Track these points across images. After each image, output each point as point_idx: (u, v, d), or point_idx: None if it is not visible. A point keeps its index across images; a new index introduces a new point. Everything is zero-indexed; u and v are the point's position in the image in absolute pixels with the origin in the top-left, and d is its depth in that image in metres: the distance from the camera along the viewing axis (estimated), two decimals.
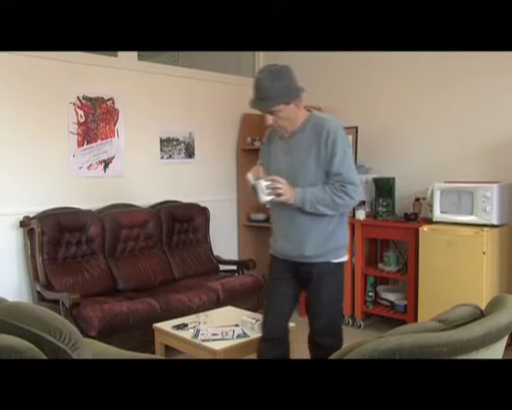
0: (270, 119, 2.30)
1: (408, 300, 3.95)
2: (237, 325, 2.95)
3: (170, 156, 4.79)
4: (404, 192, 4.31)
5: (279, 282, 2.50)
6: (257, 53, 5.49)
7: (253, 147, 5.00)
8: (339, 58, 4.78)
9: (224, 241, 5.15)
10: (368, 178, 4.45)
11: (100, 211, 4.11)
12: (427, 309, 3.60)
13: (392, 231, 4.06)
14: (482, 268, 3.41)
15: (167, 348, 3.03)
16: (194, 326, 2.96)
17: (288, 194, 2.25)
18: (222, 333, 2.82)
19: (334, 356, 1.33)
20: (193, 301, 3.73)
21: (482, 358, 1.28)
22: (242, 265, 4.57)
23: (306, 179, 2.29)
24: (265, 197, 2.27)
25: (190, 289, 3.92)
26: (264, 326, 2.53)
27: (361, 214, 4.20)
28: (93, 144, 4.21)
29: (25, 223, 3.73)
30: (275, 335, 2.49)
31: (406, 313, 3.97)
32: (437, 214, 3.73)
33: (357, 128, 4.36)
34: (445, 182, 3.82)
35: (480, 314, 1.42)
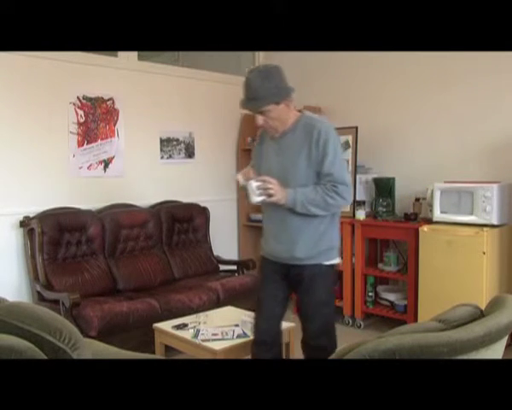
0: (260, 119, 2.28)
1: (408, 300, 3.95)
2: (237, 325, 2.95)
3: (170, 156, 4.79)
4: (404, 192, 4.31)
5: (269, 284, 2.47)
6: (257, 53, 5.49)
7: (253, 147, 4.99)
8: (339, 58, 4.78)
9: (224, 241, 5.15)
10: (368, 178, 4.46)
11: (100, 211, 4.11)
12: (427, 309, 3.60)
13: (392, 231, 4.06)
14: (482, 268, 3.41)
15: (167, 348, 3.03)
16: (194, 326, 2.96)
17: (279, 194, 2.24)
18: (222, 333, 2.82)
19: (334, 356, 1.33)
20: (193, 301, 3.73)
21: (482, 358, 1.28)
22: (242, 265, 4.58)
23: (297, 180, 2.27)
24: (256, 198, 2.25)
25: (190, 289, 3.92)
26: (256, 329, 2.52)
27: (361, 214, 4.20)
28: (93, 144, 4.21)
29: (25, 223, 3.73)
30: (266, 338, 2.46)
31: (406, 313, 3.97)
32: (437, 214, 3.73)
33: (357, 128, 4.36)
34: (445, 182, 3.82)
35: (479, 314, 1.42)
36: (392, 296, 4.23)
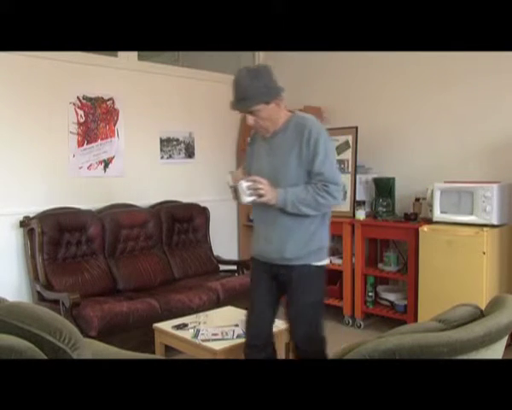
0: (250, 119, 2.27)
1: (408, 300, 3.95)
2: (237, 325, 2.95)
3: (170, 156, 4.79)
4: (404, 192, 4.31)
5: (260, 286, 2.46)
6: (257, 53, 5.49)
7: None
8: (339, 58, 4.78)
9: (224, 241, 5.15)
10: (368, 178, 4.46)
11: (100, 211, 4.11)
12: (427, 309, 3.60)
13: (392, 231, 4.06)
14: (482, 268, 3.41)
15: (167, 348, 3.03)
16: (194, 326, 2.96)
17: (270, 194, 2.22)
18: (222, 333, 2.82)
19: (334, 356, 1.33)
20: (193, 301, 3.73)
21: (482, 358, 1.28)
22: (242, 265, 4.57)
23: (288, 179, 2.26)
24: (247, 198, 2.24)
25: (190, 289, 3.92)
26: (247, 332, 2.50)
27: (361, 214, 4.20)
28: (93, 144, 4.21)
29: (25, 223, 3.73)
30: (257, 341, 2.44)
31: (406, 313, 3.97)
32: (437, 214, 3.73)
33: (357, 128, 4.36)
34: (445, 182, 3.82)
35: (479, 314, 1.42)
36: (392, 296, 4.23)
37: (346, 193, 4.39)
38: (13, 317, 1.32)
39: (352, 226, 4.25)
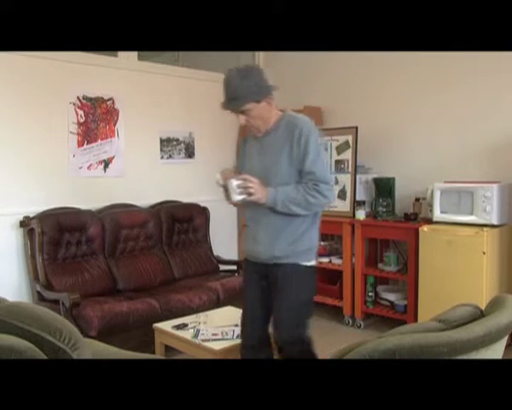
0: (242, 119, 2.26)
1: (408, 300, 3.95)
2: (237, 325, 2.94)
3: (170, 156, 4.79)
4: (404, 192, 4.31)
5: (251, 286, 2.45)
6: (257, 53, 5.49)
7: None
8: (339, 58, 4.78)
9: (224, 241, 5.15)
10: (368, 178, 4.46)
11: (100, 211, 4.11)
12: (427, 309, 3.60)
13: (392, 231, 4.06)
14: (482, 268, 3.41)
15: (167, 348, 3.03)
16: (194, 326, 2.96)
17: (260, 193, 2.21)
18: (222, 333, 2.82)
19: (334, 356, 1.33)
20: (193, 301, 3.73)
21: (482, 358, 1.28)
22: (242, 265, 4.57)
23: (279, 179, 2.25)
24: (237, 197, 2.23)
25: (190, 289, 3.92)
26: (241, 333, 2.50)
27: (361, 214, 4.20)
28: (93, 144, 4.21)
29: (25, 223, 3.73)
30: (251, 341, 2.42)
31: (406, 313, 3.97)
32: (437, 214, 3.73)
33: (357, 128, 4.36)
34: (445, 182, 3.82)
35: (479, 314, 1.42)
36: (392, 296, 4.23)
37: (346, 193, 4.39)
38: (13, 317, 1.32)
39: (352, 226, 4.25)
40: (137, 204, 4.38)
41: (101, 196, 4.21)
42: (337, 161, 4.48)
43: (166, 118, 4.71)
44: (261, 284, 2.38)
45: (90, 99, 4.17)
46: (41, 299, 3.59)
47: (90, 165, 4.19)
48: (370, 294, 4.28)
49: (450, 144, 4.15)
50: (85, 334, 3.11)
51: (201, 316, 3.19)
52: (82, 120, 4.13)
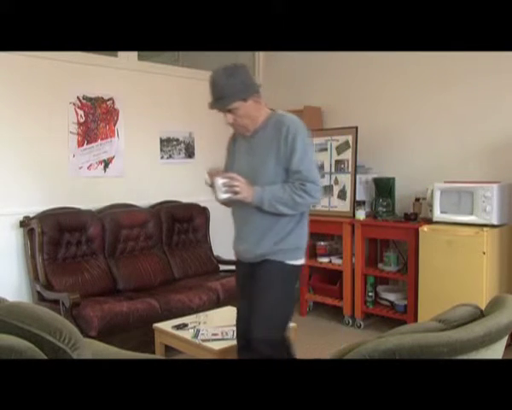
0: (229, 118, 2.25)
1: (408, 300, 3.95)
2: None
3: (170, 156, 4.79)
4: (404, 192, 4.31)
5: (241, 286, 2.45)
6: (257, 53, 5.48)
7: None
8: (339, 58, 4.78)
9: (224, 241, 5.13)
10: (368, 178, 4.46)
11: (100, 211, 4.11)
12: (427, 309, 3.60)
13: (392, 231, 4.06)
14: (482, 268, 3.41)
15: (167, 348, 3.03)
16: (194, 326, 2.96)
17: (246, 192, 2.20)
18: (222, 333, 2.82)
19: (334, 356, 1.33)
20: (193, 301, 3.73)
21: (482, 358, 1.28)
22: None
23: (266, 178, 2.23)
24: (222, 195, 2.23)
25: (190, 289, 3.92)
26: (236, 334, 2.50)
27: (361, 214, 4.20)
28: (93, 144, 4.21)
29: (25, 223, 3.73)
30: (244, 341, 2.39)
31: (406, 313, 3.97)
32: (437, 214, 3.73)
33: (357, 128, 4.36)
34: (445, 182, 3.82)
35: (479, 314, 1.42)
36: (392, 296, 4.23)
37: (346, 193, 4.40)
38: (13, 317, 1.32)
39: (352, 226, 4.25)
40: (137, 204, 4.38)
41: (101, 196, 4.21)
42: (337, 161, 4.48)
43: (166, 118, 4.71)
44: (249, 284, 2.36)
45: (90, 99, 4.18)
46: (41, 299, 3.59)
47: (90, 165, 4.19)
48: (370, 294, 4.28)
49: (450, 144, 4.15)
50: (85, 334, 3.11)
51: (201, 316, 3.19)
52: (82, 120, 4.13)
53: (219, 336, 2.78)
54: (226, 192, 2.22)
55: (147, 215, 4.30)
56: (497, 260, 3.52)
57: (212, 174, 2.30)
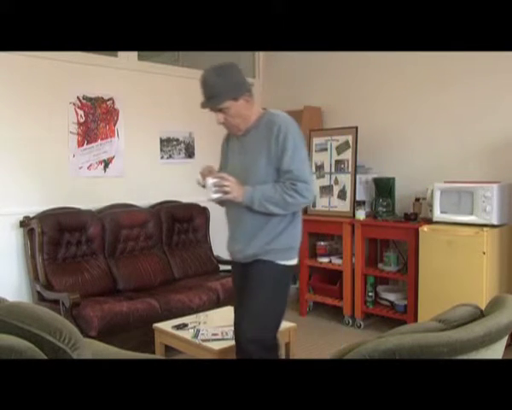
0: (220, 117, 2.25)
1: (408, 300, 3.95)
2: None
3: (170, 156, 4.79)
4: (404, 192, 4.31)
5: (236, 287, 2.44)
6: (257, 53, 5.48)
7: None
8: (339, 58, 4.78)
9: (224, 241, 5.11)
10: (368, 178, 4.46)
11: (100, 211, 4.11)
12: (427, 309, 3.60)
13: (392, 231, 4.06)
14: (482, 268, 3.41)
15: (167, 348, 3.03)
16: (194, 326, 2.96)
17: (236, 191, 2.19)
18: (222, 333, 2.82)
19: (334, 356, 1.33)
20: (193, 301, 3.73)
21: (482, 358, 1.28)
22: None
23: (258, 177, 2.21)
24: (213, 195, 2.23)
25: (190, 289, 3.92)
26: (234, 332, 2.47)
27: (361, 214, 4.20)
28: (93, 144, 4.21)
29: (25, 223, 3.73)
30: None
31: (406, 313, 3.97)
32: (437, 214, 3.73)
33: (356, 128, 4.36)
34: (445, 182, 3.82)
35: (479, 314, 1.42)
36: (392, 296, 4.23)
37: (346, 193, 4.40)
38: (13, 317, 1.32)
39: (352, 226, 4.25)
40: (137, 204, 4.38)
41: (101, 196, 4.21)
42: (337, 161, 4.48)
43: (166, 118, 4.71)
44: (242, 284, 2.35)
45: (90, 99, 4.18)
46: (41, 299, 3.59)
47: (90, 165, 4.19)
48: (370, 294, 4.28)
49: (451, 144, 4.15)
50: (85, 334, 3.11)
51: (201, 316, 3.19)
52: (82, 120, 4.13)
53: (219, 336, 2.78)
54: (216, 192, 2.22)
55: (147, 215, 4.30)
56: (497, 260, 3.52)
57: (204, 174, 2.30)
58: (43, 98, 3.90)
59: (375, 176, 4.43)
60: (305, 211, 4.62)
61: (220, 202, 2.42)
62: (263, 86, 5.48)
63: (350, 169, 4.37)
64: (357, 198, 4.30)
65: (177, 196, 4.72)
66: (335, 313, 4.49)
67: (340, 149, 4.46)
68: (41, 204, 3.84)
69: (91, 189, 4.18)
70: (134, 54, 4.48)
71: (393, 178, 4.29)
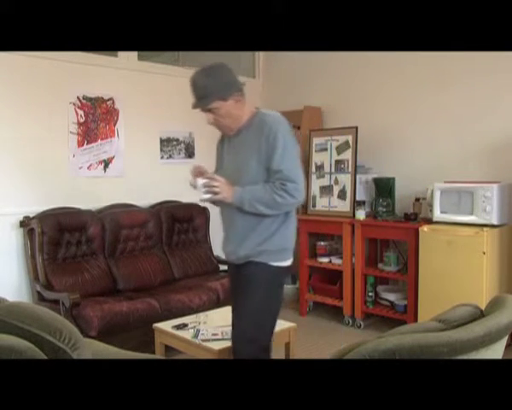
0: (210, 117, 2.25)
1: (408, 300, 3.95)
2: None
3: (170, 156, 4.79)
4: (404, 192, 4.31)
5: (231, 288, 2.43)
6: (257, 53, 5.48)
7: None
8: (339, 58, 4.78)
9: None
10: (368, 178, 4.46)
11: (100, 211, 4.11)
12: (427, 309, 3.60)
13: (392, 231, 4.06)
14: (482, 268, 3.41)
15: (167, 348, 3.03)
16: (194, 326, 2.96)
17: (225, 192, 2.18)
18: (222, 333, 2.82)
19: (334, 356, 1.33)
20: (193, 301, 3.73)
21: (482, 358, 1.28)
22: None
23: (248, 178, 2.20)
24: (203, 196, 2.23)
25: (190, 289, 3.92)
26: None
27: (361, 214, 4.20)
28: (93, 144, 4.21)
29: (25, 223, 3.73)
30: None
31: (406, 313, 3.97)
32: (437, 214, 3.73)
33: (356, 128, 4.36)
34: (445, 182, 3.82)
35: (479, 314, 1.42)
36: (392, 296, 4.23)
37: (346, 193, 4.40)
38: (13, 317, 1.32)
39: (352, 226, 4.25)
40: (137, 204, 4.38)
41: (101, 196, 4.21)
42: (337, 161, 4.48)
43: (166, 118, 4.71)
44: (237, 285, 2.34)
45: (90, 99, 4.18)
46: (41, 299, 3.59)
47: (90, 165, 4.19)
48: (370, 294, 4.28)
49: (450, 144, 4.15)
50: (85, 334, 3.11)
51: (201, 316, 3.19)
52: (82, 120, 4.13)
53: (219, 336, 2.78)
54: (206, 193, 2.22)
55: (147, 215, 4.30)
56: (497, 260, 3.52)
57: (195, 175, 2.29)
58: (43, 98, 3.90)
59: (375, 176, 4.43)
60: (306, 211, 4.63)
61: (214, 203, 2.41)
62: (263, 86, 5.48)
63: (350, 169, 4.37)
64: (357, 198, 4.30)
65: (177, 196, 4.72)
66: (335, 313, 4.49)
67: (340, 149, 4.46)
68: (41, 204, 3.84)
69: (91, 189, 4.19)
70: (134, 54, 4.48)
71: (393, 178, 4.29)
